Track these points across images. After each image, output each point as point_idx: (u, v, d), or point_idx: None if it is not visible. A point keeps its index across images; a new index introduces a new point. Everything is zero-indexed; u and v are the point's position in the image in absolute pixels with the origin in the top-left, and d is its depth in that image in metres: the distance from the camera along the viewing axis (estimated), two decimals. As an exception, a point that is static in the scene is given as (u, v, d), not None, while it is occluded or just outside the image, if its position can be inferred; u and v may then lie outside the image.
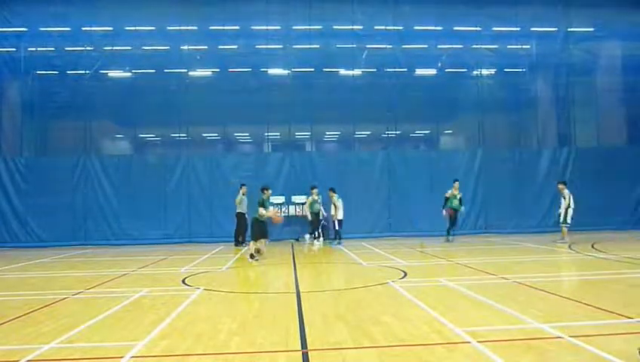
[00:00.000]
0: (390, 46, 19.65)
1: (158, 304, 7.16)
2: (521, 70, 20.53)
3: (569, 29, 20.31)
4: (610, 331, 5.04)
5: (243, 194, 16.36)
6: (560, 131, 20.61)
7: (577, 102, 20.48)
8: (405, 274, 9.25)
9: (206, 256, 13.81)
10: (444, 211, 16.07)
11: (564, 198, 14.97)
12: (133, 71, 19.45)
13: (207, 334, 5.42)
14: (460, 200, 16.03)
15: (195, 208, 18.22)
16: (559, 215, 15.06)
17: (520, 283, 8.04)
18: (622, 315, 5.60)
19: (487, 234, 18.27)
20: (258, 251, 12.17)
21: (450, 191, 16.06)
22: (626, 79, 20.79)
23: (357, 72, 19.73)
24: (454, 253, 13.07)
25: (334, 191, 16.40)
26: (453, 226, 16.21)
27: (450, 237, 16.06)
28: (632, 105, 20.75)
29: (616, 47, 20.90)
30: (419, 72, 20.06)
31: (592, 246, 13.40)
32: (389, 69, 19.63)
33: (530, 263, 11.04)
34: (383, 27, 19.59)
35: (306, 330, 5.44)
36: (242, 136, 21.11)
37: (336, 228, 16.28)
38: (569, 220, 14.78)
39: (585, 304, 6.35)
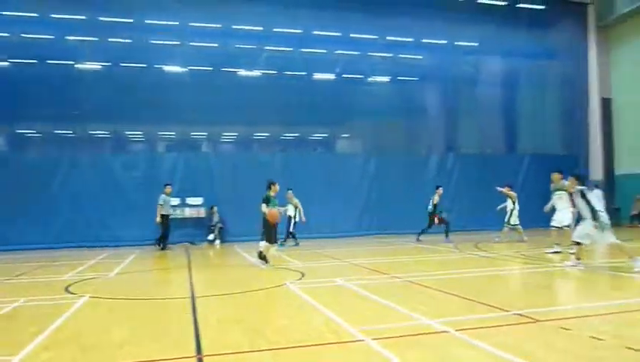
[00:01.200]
0: (290, 49, 19.82)
1: (38, 314, 6.57)
2: (413, 79, 21.64)
3: (456, 43, 21.80)
4: (491, 324, 5.41)
5: (167, 195, 15.59)
6: (447, 138, 22.06)
7: (462, 111, 22.08)
8: (302, 276, 9.31)
9: (93, 261, 12.94)
10: (434, 218, 16.29)
11: (511, 200, 15.56)
12: (11, 60, 17.78)
13: (95, 345, 5.05)
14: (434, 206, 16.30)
15: (81, 210, 16.97)
16: (506, 215, 15.55)
17: (411, 281, 8.41)
18: (501, 309, 6.05)
19: (380, 235, 18.96)
20: (263, 256, 10.99)
21: (435, 198, 16.29)
22: (506, 92, 22.75)
23: (256, 73, 19.63)
24: (350, 253, 13.40)
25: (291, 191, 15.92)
26: (428, 228, 16.50)
27: (421, 237, 16.38)
28: (510, 117, 22.81)
29: (498, 62, 22.75)
30: (317, 76, 20.40)
31: (476, 246, 14.38)
32: (288, 72, 19.76)
33: (420, 263, 11.62)
34: (282, 30, 19.71)
35: (200, 335, 5.27)
36: (134, 134, 20.07)
37: (292, 229, 15.78)
38: (512, 221, 15.42)
39: (468, 299, 6.77)
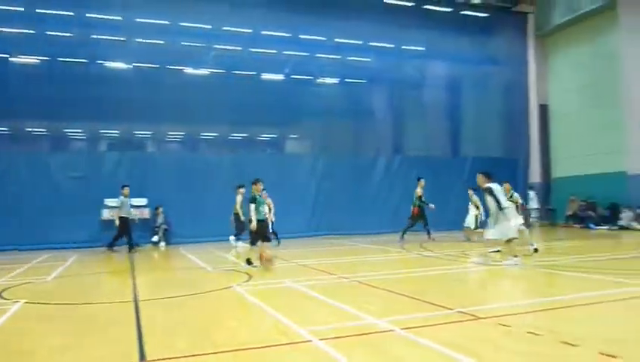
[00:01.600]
0: (238, 48, 19.61)
1: (-35, 321, 6.20)
2: (361, 81, 21.89)
3: (403, 47, 22.25)
4: (435, 322, 5.54)
5: (125, 196, 15.08)
6: (394, 140, 22.47)
7: (409, 114, 22.56)
8: (250, 278, 9.23)
9: (29, 265, 12.34)
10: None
11: (474, 205, 15.80)
12: None
13: (32, 352, 4.82)
14: (420, 198, 16.04)
15: (16, 212, 16.13)
16: (473, 220, 15.75)
17: (359, 282, 8.50)
18: (444, 307, 6.20)
19: (328, 236, 19.07)
20: (266, 258, 10.39)
21: (418, 191, 16.05)
22: (450, 97, 23.42)
23: (204, 71, 19.31)
24: (298, 254, 13.40)
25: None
26: (416, 224, 16.27)
27: (405, 236, 16.15)
28: (454, 121, 23.51)
29: (443, 66, 23.37)
30: (266, 76, 20.29)
31: (421, 246, 14.71)
32: (236, 71, 19.53)
33: (367, 263, 11.77)
34: (231, 28, 19.48)
35: (144, 340, 5.12)
36: (74, 132, 19.26)
37: (271, 229, 15.37)
38: (473, 225, 15.67)
39: (414, 298, 6.92)
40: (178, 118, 18.78)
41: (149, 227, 17.33)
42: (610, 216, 20.06)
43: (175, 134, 20.63)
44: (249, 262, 10.58)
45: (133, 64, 18.42)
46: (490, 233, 10.23)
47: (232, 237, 15.95)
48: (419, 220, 16.19)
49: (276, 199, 18.09)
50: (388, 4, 21.66)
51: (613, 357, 4.12)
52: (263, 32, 19.99)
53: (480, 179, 10.30)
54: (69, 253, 14.73)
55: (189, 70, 19.32)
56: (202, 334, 5.36)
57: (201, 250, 15.18)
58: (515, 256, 9.93)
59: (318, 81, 21.10)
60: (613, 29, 20.53)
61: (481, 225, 15.43)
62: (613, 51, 20.50)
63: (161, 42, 18.82)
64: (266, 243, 10.58)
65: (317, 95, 20.79)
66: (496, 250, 12.10)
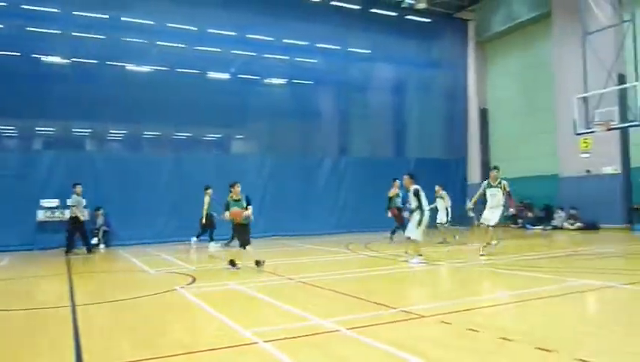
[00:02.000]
0: (183, 45, 19.19)
1: None
2: (308, 82, 21.93)
3: (349, 49, 22.48)
4: (380, 321, 5.61)
5: (79, 195, 14.43)
6: (340, 141, 22.66)
7: (354, 116, 22.82)
8: (194, 280, 9.05)
9: (-47, 269, 11.59)
10: (389, 212, 15.69)
11: (442, 199, 15.78)
12: None
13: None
14: (404, 198, 15.09)
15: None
16: (444, 215, 15.62)
17: (304, 282, 8.50)
18: (388, 306, 6.30)
19: (275, 237, 18.97)
20: (233, 262, 10.45)
21: (392, 190, 15.72)
22: (395, 99, 23.88)
23: (147, 68, 18.77)
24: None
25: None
26: (402, 225, 15.61)
27: (394, 237, 15.63)
28: (399, 123, 23.99)
29: (388, 69, 23.79)
30: (212, 75, 19.95)
31: (366, 246, 14.88)
32: (181, 69, 19.11)
33: (314, 264, 11.79)
34: (175, 25, 19.02)
35: (82, 347, 4.91)
36: (6, 129, 18.24)
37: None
38: (445, 221, 15.62)
39: (359, 298, 6.98)
40: (119, 116, 18.14)
41: (87, 229, 16.63)
42: (544, 217, 21.04)
43: (116, 133, 19.90)
44: (232, 263, 10.41)
45: (72, 59, 17.66)
46: (414, 233, 10.66)
47: (193, 239, 15.83)
48: (399, 220, 15.73)
49: (222, 200, 17.86)
50: (335, 6, 21.83)
51: (549, 351, 4.30)
52: (209, 31, 19.68)
53: (407, 180, 10.81)
54: (0, 256, 13.94)
55: (131, 67, 18.68)
56: (144, 339, 5.20)
57: (143, 252, 14.75)
58: (420, 255, 10.55)
59: (265, 81, 20.99)
60: (547, 38, 21.56)
61: (452, 219, 15.79)
62: (547, 59, 21.53)
63: (101, 37, 18.12)
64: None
65: (264, 95, 20.67)
66: (444, 243, 12.42)
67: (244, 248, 10.34)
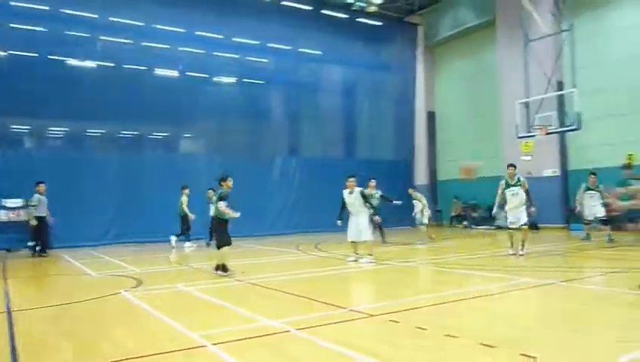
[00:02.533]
0: (129, 41, 18.60)
1: None
2: (258, 82, 21.75)
3: (300, 50, 22.49)
4: (330, 321, 5.62)
5: (41, 193, 13.98)
6: (290, 142, 22.61)
7: (305, 116, 22.83)
8: (140, 283, 8.79)
9: None
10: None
11: (419, 201, 15.83)
12: None
13: None
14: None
15: None
16: (414, 217, 15.72)
17: (253, 284, 8.42)
18: (338, 306, 6.33)
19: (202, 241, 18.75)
20: (224, 267, 9.30)
21: (367, 191, 15.38)
22: (345, 101, 24.07)
23: (90, 63, 18.09)
24: (191, 257, 13.03)
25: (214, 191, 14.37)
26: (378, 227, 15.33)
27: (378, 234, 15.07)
28: (349, 124, 24.21)
29: (339, 71, 23.96)
30: (159, 72, 19.44)
31: (316, 247, 14.92)
32: (126, 65, 18.52)
33: (263, 264, 11.70)
34: (120, 20, 18.41)
35: (19, 356, 4.65)
36: None
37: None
38: (425, 220, 15.66)
39: (309, 298, 6.98)
40: (60, 113, 17.33)
41: (25, 230, 15.85)
42: (488, 217, 21.72)
43: (56, 130, 18.97)
44: (224, 268, 9.34)
45: (9, 52, 16.80)
46: (365, 234, 10.92)
47: (172, 238, 15.54)
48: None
49: (167, 200, 17.49)
50: (286, 6, 21.78)
51: (492, 346, 4.43)
52: (157, 26, 19.17)
53: (351, 182, 11.03)
54: None
55: (73, 61, 17.93)
56: (87, 345, 4.99)
57: (86, 254, 14.22)
58: (371, 254, 10.84)
59: (215, 79, 20.67)
60: (492, 44, 22.30)
61: (429, 219, 15.89)
62: (492, 65, 22.28)
63: (41, 29, 17.30)
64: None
65: (213, 94, 20.33)
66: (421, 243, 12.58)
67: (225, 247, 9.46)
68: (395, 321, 5.46)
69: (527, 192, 11.29)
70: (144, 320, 6.06)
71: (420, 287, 8.54)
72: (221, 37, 20.48)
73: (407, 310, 6.12)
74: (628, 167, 12.70)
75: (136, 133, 19.02)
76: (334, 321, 5.61)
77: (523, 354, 4.17)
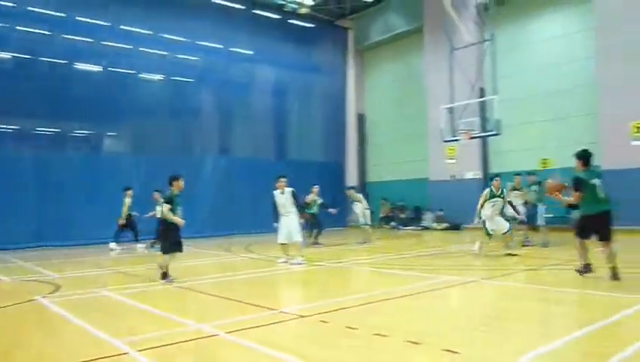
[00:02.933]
0: (48, 32, 17.56)
1: None
2: (188, 80, 21.21)
3: (232, 49, 22.19)
4: (259, 323, 5.58)
5: None
6: (220, 142, 22.23)
7: (236, 116, 22.55)
8: (58, 288, 8.32)
9: None
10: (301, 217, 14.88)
11: (360, 202, 15.74)
12: None
13: None
14: (322, 204, 15.28)
15: None
16: (354, 219, 15.59)
17: (182, 287, 8.21)
18: (269, 308, 6.30)
19: (150, 241, 18.12)
20: (164, 274, 8.64)
21: (309, 196, 15.16)
22: (277, 101, 24.00)
23: (4, 55, 16.90)
24: (117, 261, 12.52)
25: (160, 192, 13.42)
26: (318, 231, 15.27)
27: (312, 241, 14.88)
28: (280, 125, 24.17)
29: (270, 72, 23.85)
30: (82, 66, 18.46)
31: (246, 248, 14.77)
32: (44, 58, 17.43)
33: (191, 267, 11.42)
34: (39, 10, 17.32)
35: None
36: None
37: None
38: (369, 221, 15.74)
39: (238, 301, 6.90)
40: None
41: None
42: (415, 218, 22.44)
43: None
44: (164, 275, 8.67)
45: None
46: (296, 235, 11.01)
47: (112, 244, 14.88)
48: (315, 225, 15.47)
49: (90, 200, 16.72)
50: (217, 4, 21.43)
51: (418, 343, 4.57)
52: (78, 18, 18.23)
53: (282, 182, 11.04)
54: None
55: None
56: (2, 355, 4.67)
57: (-2, 258, 13.29)
58: (301, 256, 10.93)
59: (141, 76, 19.92)
60: (419, 51, 23.04)
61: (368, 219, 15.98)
62: (419, 70, 23.03)
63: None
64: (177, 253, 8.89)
65: (140, 91, 19.59)
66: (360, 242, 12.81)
67: (181, 251, 9.03)
68: (325, 321, 5.51)
69: (510, 203, 11.78)
70: (64, 328, 5.74)
71: (350, 287, 8.67)
72: (149, 32, 19.78)
73: (338, 310, 6.19)
74: (532, 173, 13.80)
75: (55, 130, 17.94)
76: (265, 323, 5.58)
77: (446, 350, 4.34)
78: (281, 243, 11.04)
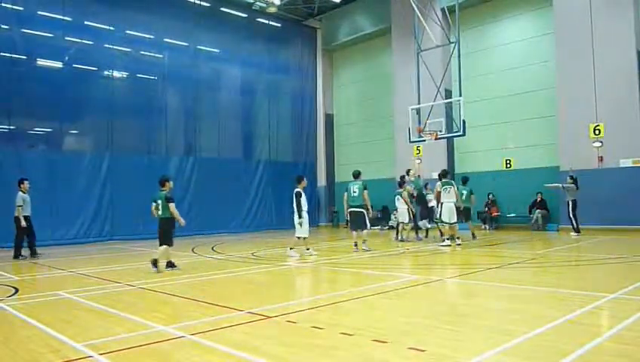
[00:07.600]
0: (6, 27, 16.99)
1: None
2: (153, 78, 20.86)
3: (198, 47, 21.92)
4: (226, 324, 5.51)
5: (24, 192, 13.06)
6: (186, 140, 21.91)
7: (203, 115, 22.27)
8: (16, 291, 8.05)
9: None
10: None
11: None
12: None
13: None
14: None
15: None
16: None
17: (144, 288, 8.05)
18: (235, 309, 6.23)
19: (112, 241, 17.76)
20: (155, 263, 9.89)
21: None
22: (244, 101, 23.84)
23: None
24: (76, 262, 12.20)
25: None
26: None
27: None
28: (248, 124, 24.00)
29: (238, 71, 23.69)
30: (41, 62, 17.95)
31: (212, 249, 14.61)
32: (3, 54, 16.90)
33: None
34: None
35: None
36: None
37: None
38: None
39: (204, 302, 6.80)
40: None
41: None
42: (382, 218, 22.60)
43: None
44: (172, 264, 10.15)
45: None
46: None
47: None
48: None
49: (49, 201, 16.25)
50: (184, 1, 21.15)
51: (384, 342, 4.60)
52: (40, 13, 17.71)
53: (305, 182, 12.27)
54: None
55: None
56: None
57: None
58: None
59: (105, 73, 19.48)
60: (387, 52, 23.26)
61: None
62: (387, 71, 23.24)
63: None
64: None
65: (102, 88, 19.18)
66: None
67: (171, 245, 10.21)
68: (292, 322, 5.49)
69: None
70: (20, 331, 5.54)
71: (317, 287, 8.66)
72: (112, 29, 19.36)
73: (305, 310, 6.17)
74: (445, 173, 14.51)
75: (12, 127, 17.33)
76: (231, 324, 5.52)
77: (412, 348, 4.37)
78: (304, 237, 11.91)
